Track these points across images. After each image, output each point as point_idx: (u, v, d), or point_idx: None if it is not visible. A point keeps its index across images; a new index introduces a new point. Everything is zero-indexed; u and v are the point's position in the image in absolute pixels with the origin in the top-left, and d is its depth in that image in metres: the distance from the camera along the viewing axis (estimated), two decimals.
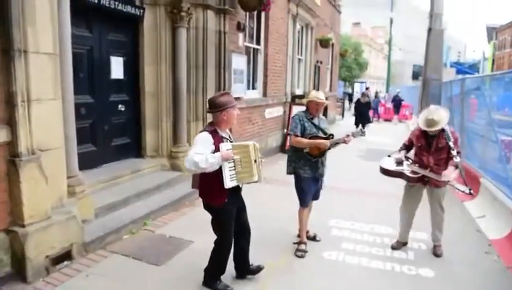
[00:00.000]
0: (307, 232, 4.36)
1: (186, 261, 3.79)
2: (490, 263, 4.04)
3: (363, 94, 15.65)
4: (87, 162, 5.04)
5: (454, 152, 3.71)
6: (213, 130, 3.03)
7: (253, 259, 3.54)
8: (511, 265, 3.92)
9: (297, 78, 11.28)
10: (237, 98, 7.22)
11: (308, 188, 4.06)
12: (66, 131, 3.94)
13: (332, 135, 4.00)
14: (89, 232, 4.00)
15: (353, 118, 15.64)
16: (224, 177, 2.92)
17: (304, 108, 4.20)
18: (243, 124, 7.70)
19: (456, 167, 3.74)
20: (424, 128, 3.84)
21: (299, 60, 11.55)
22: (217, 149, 2.93)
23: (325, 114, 9.71)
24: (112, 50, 5.34)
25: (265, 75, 8.69)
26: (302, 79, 11.78)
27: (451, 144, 3.73)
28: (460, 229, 4.92)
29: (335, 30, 15.91)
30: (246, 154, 2.99)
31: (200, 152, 2.84)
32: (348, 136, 4.00)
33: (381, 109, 20.12)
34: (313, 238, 4.37)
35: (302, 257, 3.97)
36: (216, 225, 3.19)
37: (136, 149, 5.94)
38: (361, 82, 31.97)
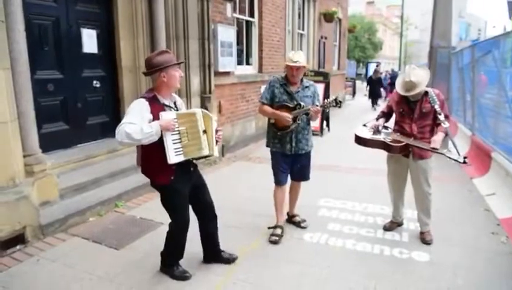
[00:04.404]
0: (294, 216, 3.92)
1: (149, 244, 3.44)
2: (496, 244, 3.54)
3: (375, 71, 15.01)
4: (58, 141, 4.74)
5: (441, 117, 3.17)
6: (152, 96, 2.60)
7: (225, 243, 3.19)
8: None
9: None
10: (226, 73, 6.79)
11: (277, 164, 3.62)
12: (21, 106, 3.63)
13: (300, 105, 3.42)
14: (49, 214, 3.73)
15: (364, 98, 15.33)
16: (167, 151, 2.51)
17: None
18: (236, 101, 7.26)
19: (446, 133, 3.23)
20: (403, 93, 3.28)
21: (301, 34, 10.92)
22: (156, 118, 2.51)
23: (327, 93, 9.05)
24: (82, 22, 4.94)
25: (261, 50, 8.16)
26: (305, 55, 11.13)
27: (437, 107, 3.19)
28: (465, 208, 4.41)
29: (342, 5, 15.10)
30: (192, 124, 2.56)
31: (133, 122, 2.44)
32: (316, 105, 3.44)
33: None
34: (298, 224, 3.87)
35: (275, 242, 3.51)
36: (165, 206, 2.79)
37: (115, 128, 5.55)
38: (374, 62, 30.50)
